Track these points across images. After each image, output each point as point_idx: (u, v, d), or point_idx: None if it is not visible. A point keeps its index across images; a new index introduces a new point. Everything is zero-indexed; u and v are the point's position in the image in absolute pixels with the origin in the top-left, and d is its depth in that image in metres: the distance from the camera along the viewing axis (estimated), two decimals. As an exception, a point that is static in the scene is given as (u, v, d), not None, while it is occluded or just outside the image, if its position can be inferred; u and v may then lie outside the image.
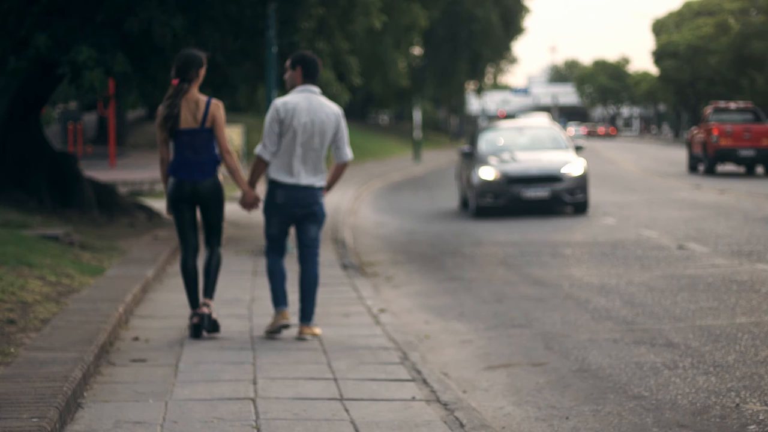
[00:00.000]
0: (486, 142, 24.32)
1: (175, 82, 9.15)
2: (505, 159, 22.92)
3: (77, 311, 9.35)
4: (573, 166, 22.41)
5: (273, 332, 9.28)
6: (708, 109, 37.85)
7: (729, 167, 37.20)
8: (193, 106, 9.12)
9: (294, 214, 9.23)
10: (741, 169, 36.92)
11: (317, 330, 9.35)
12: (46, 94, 19.23)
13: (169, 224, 17.94)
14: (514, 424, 7.02)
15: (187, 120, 9.11)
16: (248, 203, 9.37)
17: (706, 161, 35.97)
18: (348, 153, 9.28)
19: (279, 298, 9.34)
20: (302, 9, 17.55)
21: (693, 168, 37.51)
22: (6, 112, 17.79)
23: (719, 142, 35.09)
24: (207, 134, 9.12)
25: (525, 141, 24.22)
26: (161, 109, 9.15)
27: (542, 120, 26.50)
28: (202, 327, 9.19)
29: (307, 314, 9.29)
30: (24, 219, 15.33)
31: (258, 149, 9.21)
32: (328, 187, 9.37)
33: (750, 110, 37.51)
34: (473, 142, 24.87)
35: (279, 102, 9.16)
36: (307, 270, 9.35)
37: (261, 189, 10.85)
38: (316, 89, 9.23)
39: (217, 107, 9.15)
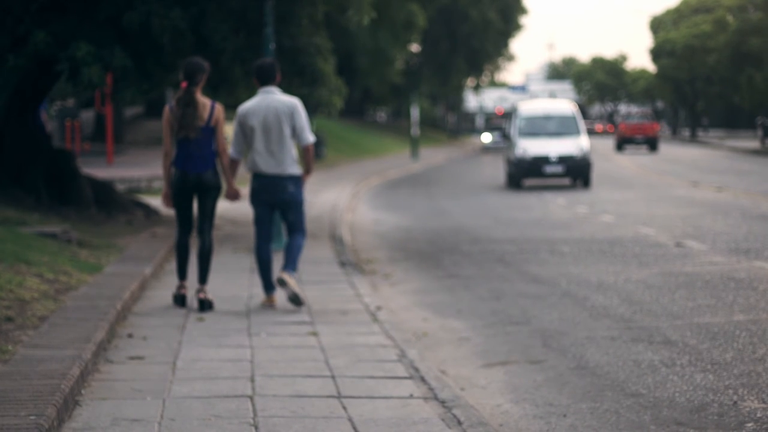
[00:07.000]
0: None
1: (183, 84, 10.21)
2: None
3: (75, 309, 9.34)
4: None
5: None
6: (621, 113, 64.04)
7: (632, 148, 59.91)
8: (200, 107, 10.22)
9: (268, 200, 10.49)
10: (640, 148, 59.59)
11: (293, 282, 10.38)
12: (44, 91, 19.20)
13: (167, 222, 17.92)
14: (511, 421, 7.02)
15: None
16: (230, 196, 10.69)
17: (618, 144, 60.99)
18: (308, 137, 10.46)
19: (267, 285, 10.68)
20: (300, 5, 17.50)
21: (618, 148, 60.42)
22: (4, 109, 17.76)
23: (624, 132, 60.90)
24: (210, 132, 10.28)
25: None
26: (174, 110, 10.19)
27: None
28: (186, 299, 10.49)
29: (288, 264, 10.44)
30: (21, 216, 15.31)
31: (230, 150, 10.59)
32: (306, 171, 10.60)
33: (647, 115, 64.20)
34: None
35: (240, 108, 10.53)
36: (292, 239, 10.66)
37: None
38: (273, 89, 10.50)
39: (221, 110, 10.32)
